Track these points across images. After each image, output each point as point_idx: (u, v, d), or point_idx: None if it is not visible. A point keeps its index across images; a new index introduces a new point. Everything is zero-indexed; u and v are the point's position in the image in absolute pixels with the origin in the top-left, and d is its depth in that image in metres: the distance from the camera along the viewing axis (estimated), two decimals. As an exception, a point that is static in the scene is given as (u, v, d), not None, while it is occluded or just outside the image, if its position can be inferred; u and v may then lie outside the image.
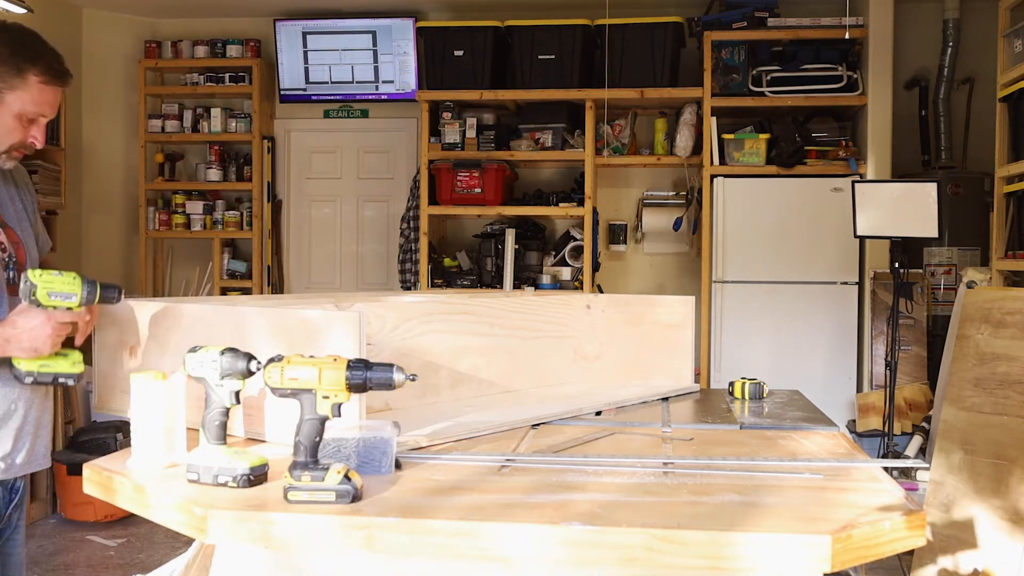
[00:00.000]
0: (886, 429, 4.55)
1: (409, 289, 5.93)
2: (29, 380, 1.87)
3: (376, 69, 6.24)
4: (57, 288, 1.81)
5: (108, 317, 2.19)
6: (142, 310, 2.11)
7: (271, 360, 1.52)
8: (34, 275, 1.80)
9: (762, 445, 1.90)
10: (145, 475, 1.60)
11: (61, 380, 1.89)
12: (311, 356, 1.51)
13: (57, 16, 6.08)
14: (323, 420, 1.48)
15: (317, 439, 1.47)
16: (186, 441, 1.70)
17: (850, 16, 5.33)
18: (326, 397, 1.48)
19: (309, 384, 1.48)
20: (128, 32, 6.44)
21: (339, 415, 1.49)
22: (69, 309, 1.83)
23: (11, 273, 1.98)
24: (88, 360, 2.06)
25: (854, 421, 5.03)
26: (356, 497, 1.42)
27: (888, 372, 4.53)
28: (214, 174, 6.36)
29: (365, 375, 1.49)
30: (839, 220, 5.15)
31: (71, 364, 1.90)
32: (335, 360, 1.49)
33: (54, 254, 2.28)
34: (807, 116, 5.70)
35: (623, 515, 1.36)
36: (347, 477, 1.42)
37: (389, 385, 1.50)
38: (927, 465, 3.19)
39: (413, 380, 1.53)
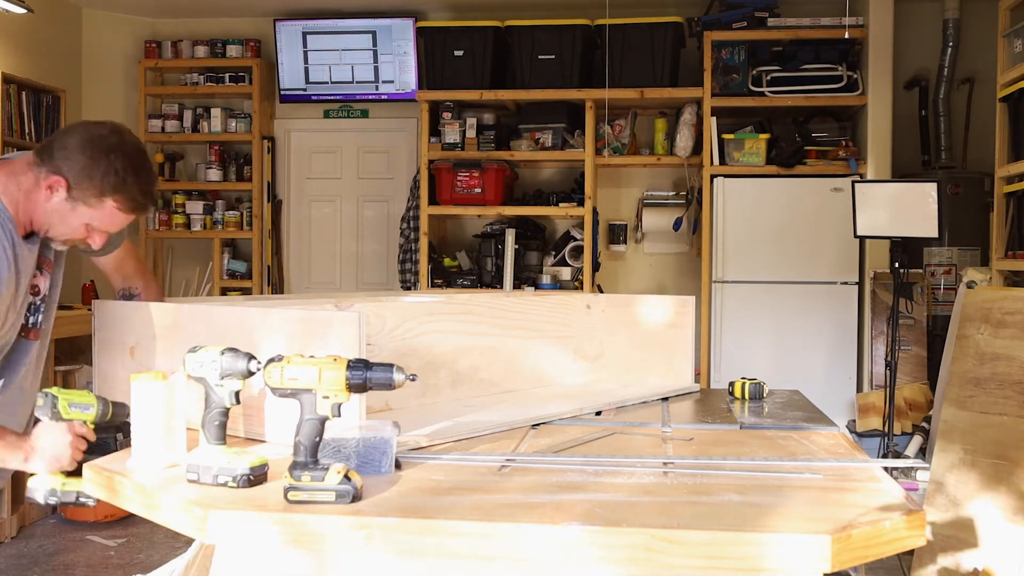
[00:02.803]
0: (886, 429, 4.55)
1: (409, 289, 5.93)
2: (53, 500, 1.81)
3: (376, 69, 6.23)
4: (76, 400, 1.80)
5: (109, 317, 2.20)
6: (142, 310, 2.12)
7: (271, 360, 1.51)
8: (53, 390, 1.81)
9: (762, 445, 1.90)
10: (145, 475, 1.60)
11: (82, 500, 1.82)
12: (311, 356, 1.51)
13: (57, 16, 6.08)
14: (323, 420, 1.48)
15: (317, 439, 1.47)
16: (186, 441, 1.70)
17: (850, 16, 5.33)
18: (326, 397, 1.48)
19: (309, 384, 1.48)
20: (128, 32, 6.44)
21: (339, 415, 1.49)
22: (85, 423, 1.81)
23: (38, 317, 1.97)
24: (88, 361, 2.06)
25: (854, 421, 5.02)
26: (356, 497, 1.42)
27: (888, 372, 4.53)
28: (214, 174, 6.36)
29: (365, 375, 1.49)
30: (839, 220, 5.15)
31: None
32: (335, 360, 1.49)
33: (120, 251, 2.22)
34: (807, 116, 5.70)
35: (623, 515, 1.36)
36: (347, 477, 1.42)
37: (389, 385, 1.50)
38: (927, 465, 3.19)
39: (413, 380, 1.53)
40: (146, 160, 1.93)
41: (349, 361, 1.50)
